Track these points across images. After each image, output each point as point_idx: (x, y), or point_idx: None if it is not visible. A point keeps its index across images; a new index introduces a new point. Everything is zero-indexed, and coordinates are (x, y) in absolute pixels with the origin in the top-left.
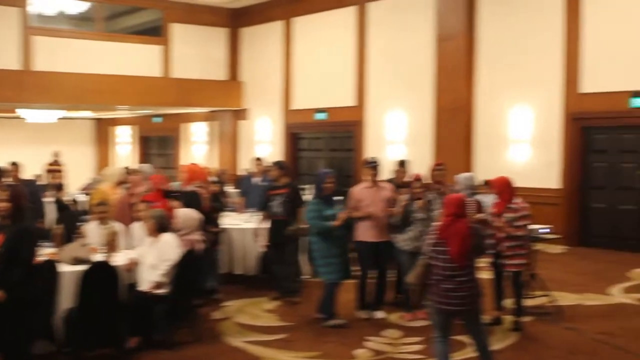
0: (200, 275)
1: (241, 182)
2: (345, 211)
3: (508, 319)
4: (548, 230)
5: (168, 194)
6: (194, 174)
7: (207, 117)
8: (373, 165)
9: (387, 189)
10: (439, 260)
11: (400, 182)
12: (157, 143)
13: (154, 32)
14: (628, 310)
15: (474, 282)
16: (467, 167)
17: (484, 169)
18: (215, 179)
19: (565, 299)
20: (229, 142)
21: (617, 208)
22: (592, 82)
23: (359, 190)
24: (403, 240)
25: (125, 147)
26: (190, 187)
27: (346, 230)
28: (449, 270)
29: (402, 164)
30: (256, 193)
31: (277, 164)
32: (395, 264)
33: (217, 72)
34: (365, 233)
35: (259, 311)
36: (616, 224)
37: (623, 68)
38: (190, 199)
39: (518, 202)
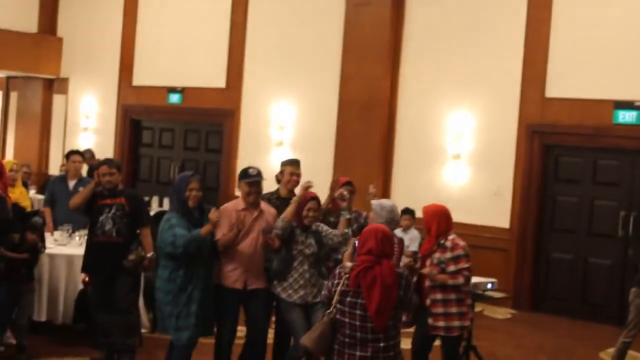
0: None
1: (52, 185)
2: (216, 211)
3: None
4: (491, 285)
5: None
6: None
7: (0, 85)
8: (255, 180)
9: (270, 215)
10: (348, 316)
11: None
12: None
13: None
14: None
15: (397, 352)
16: (383, 189)
17: (405, 192)
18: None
19: None
20: (34, 124)
21: (587, 261)
22: (564, 83)
23: (233, 212)
24: (287, 289)
25: None
26: None
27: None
28: (363, 331)
29: (294, 163)
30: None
31: (109, 162)
32: (277, 320)
33: (23, 20)
34: (229, 275)
35: None
36: (585, 283)
37: (608, 66)
38: None
39: (451, 238)
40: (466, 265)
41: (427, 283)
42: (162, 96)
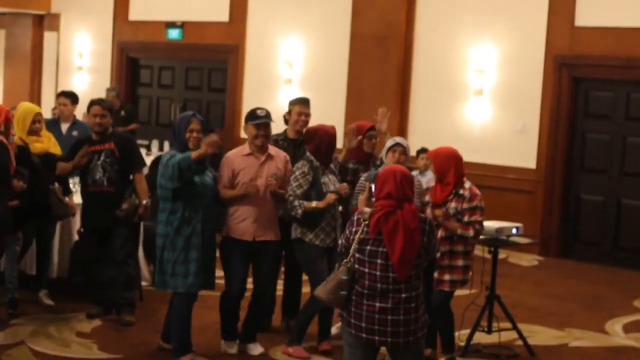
0: None
1: None
2: (212, 137)
3: None
4: (516, 230)
5: None
6: None
7: None
8: (263, 121)
9: (280, 159)
10: (368, 266)
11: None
12: None
13: None
14: (631, 358)
15: (419, 303)
16: (399, 128)
17: (423, 132)
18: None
19: (540, 335)
20: (23, 63)
21: (620, 203)
22: (594, 10)
23: (237, 158)
24: (320, 234)
25: None
26: None
27: (214, 205)
28: (384, 282)
29: (303, 102)
30: (64, 147)
31: (100, 103)
32: (286, 272)
33: None
34: (238, 227)
35: (69, 335)
36: (617, 226)
37: None
38: None
39: (468, 187)
40: (480, 219)
41: (440, 234)
42: (161, 32)
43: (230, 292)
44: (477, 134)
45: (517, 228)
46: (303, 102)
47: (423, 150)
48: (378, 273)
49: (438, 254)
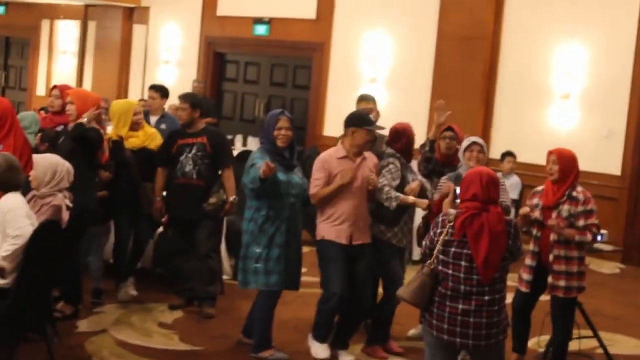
0: (72, 262)
1: None
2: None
3: None
4: (602, 237)
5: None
6: (86, 101)
7: (78, 14)
8: (375, 128)
9: (372, 162)
10: (452, 268)
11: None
12: None
13: None
14: None
15: (502, 306)
16: (483, 131)
17: (507, 135)
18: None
19: (621, 345)
20: (113, 56)
21: None
22: None
23: (333, 161)
24: (398, 234)
25: None
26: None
27: (302, 205)
28: (468, 284)
29: (364, 99)
30: None
31: (189, 98)
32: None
33: None
34: (332, 229)
35: (151, 325)
36: None
37: None
38: (85, 143)
39: (581, 190)
40: (596, 222)
41: (552, 237)
42: (248, 27)
43: (332, 293)
44: (562, 138)
45: (602, 235)
46: (365, 99)
47: (509, 154)
48: (462, 275)
49: (551, 258)
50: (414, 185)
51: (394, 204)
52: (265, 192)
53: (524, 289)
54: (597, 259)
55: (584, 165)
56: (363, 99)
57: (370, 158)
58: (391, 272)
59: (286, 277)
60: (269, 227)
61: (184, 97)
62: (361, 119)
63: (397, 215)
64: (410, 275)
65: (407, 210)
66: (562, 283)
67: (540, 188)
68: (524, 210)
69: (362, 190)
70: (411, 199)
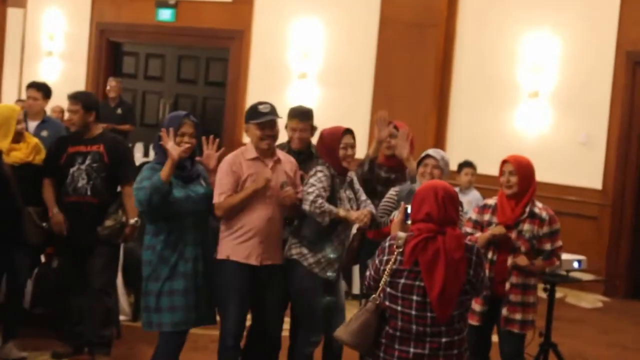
0: None
1: None
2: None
3: None
4: (579, 264)
5: None
6: None
7: None
8: (268, 119)
9: (289, 164)
10: (401, 304)
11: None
12: None
13: None
14: None
15: (462, 350)
16: (436, 136)
17: (465, 140)
18: None
19: None
20: None
21: None
22: None
23: (242, 162)
24: (322, 262)
25: None
26: None
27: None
28: (421, 323)
29: (298, 115)
30: None
31: (81, 98)
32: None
33: None
34: (239, 247)
35: None
36: None
37: None
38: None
39: (542, 207)
40: (561, 244)
41: (510, 262)
42: (150, 12)
43: (226, 329)
44: (532, 144)
45: (579, 261)
46: (297, 116)
47: (467, 164)
48: (413, 312)
49: (507, 286)
50: (361, 215)
51: (327, 219)
52: (159, 214)
53: (475, 322)
54: (575, 290)
55: (557, 177)
56: (295, 115)
57: (286, 160)
58: (309, 308)
59: (196, 312)
60: (168, 254)
61: (74, 97)
62: (249, 112)
63: (328, 234)
64: (351, 312)
65: (337, 230)
66: (518, 316)
67: (490, 201)
68: (499, 229)
69: (276, 199)
70: (342, 212)
